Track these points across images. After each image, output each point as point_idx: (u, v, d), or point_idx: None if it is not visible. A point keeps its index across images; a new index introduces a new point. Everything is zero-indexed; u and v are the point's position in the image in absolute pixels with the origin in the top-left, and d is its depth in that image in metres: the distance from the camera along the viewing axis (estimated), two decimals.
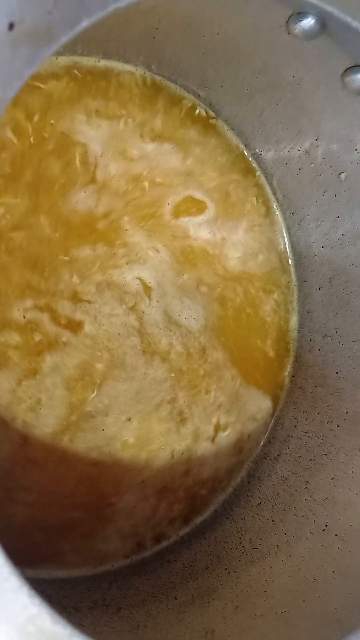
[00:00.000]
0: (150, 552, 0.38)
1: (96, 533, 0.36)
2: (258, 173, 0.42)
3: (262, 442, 0.42)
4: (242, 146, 0.41)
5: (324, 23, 0.28)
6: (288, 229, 0.43)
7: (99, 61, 0.36)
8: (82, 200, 0.35)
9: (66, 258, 0.35)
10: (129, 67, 0.37)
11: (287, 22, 0.29)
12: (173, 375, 0.38)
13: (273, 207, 0.43)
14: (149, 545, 0.38)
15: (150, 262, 0.37)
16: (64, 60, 0.35)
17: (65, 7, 0.18)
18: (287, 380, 0.43)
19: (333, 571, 0.32)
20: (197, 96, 0.39)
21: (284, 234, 0.43)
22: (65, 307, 0.35)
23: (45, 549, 0.35)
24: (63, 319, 0.35)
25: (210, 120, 0.40)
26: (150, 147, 0.36)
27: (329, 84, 0.32)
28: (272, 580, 0.34)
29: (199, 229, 0.38)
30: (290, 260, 0.44)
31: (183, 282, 0.38)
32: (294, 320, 0.44)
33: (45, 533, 0.35)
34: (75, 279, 0.35)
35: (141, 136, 0.36)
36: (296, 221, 0.43)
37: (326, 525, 0.35)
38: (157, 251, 0.37)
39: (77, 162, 0.34)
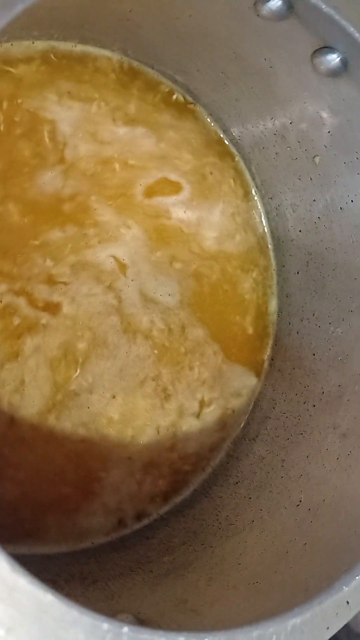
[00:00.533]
0: (131, 530, 0.39)
1: (82, 509, 0.37)
2: (237, 158, 0.43)
3: (245, 418, 0.43)
4: (220, 131, 0.42)
5: (291, 3, 0.29)
6: (267, 214, 0.44)
7: (75, 46, 0.36)
8: (49, 181, 0.35)
9: (37, 242, 0.35)
10: (105, 52, 0.37)
11: (255, 4, 0.30)
12: (156, 352, 0.39)
13: (252, 192, 0.44)
14: (130, 523, 0.39)
15: (122, 239, 0.38)
16: (41, 44, 0.35)
17: None
18: (266, 363, 0.44)
19: (305, 543, 0.33)
20: (175, 81, 0.40)
21: (263, 219, 0.44)
22: (41, 291, 0.35)
23: (30, 525, 0.36)
24: (40, 302, 0.36)
25: (188, 106, 0.41)
26: (122, 130, 0.37)
27: (299, 67, 0.33)
28: (246, 554, 0.34)
29: (173, 209, 0.39)
30: (269, 245, 0.44)
31: (156, 259, 0.39)
32: (273, 304, 0.45)
33: (33, 509, 0.36)
34: (48, 262, 0.35)
35: (113, 120, 0.37)
36: (274, 206, 0.43)
37: (300, 501, 0.36)
38: (129, 228, 0.38)
39: (47, 140, 0.35)
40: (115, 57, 0.38)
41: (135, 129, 0.37)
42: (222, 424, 0.42)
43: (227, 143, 0.42)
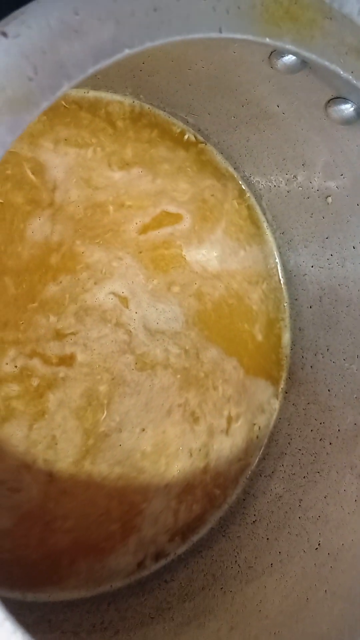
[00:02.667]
0: (149, 572, 0.39)
1: (116, 548, 0.38)
2: (248, 195, 0.43)
3: (269, 432, 0.43)
4: (231, 169, 0.42)
5: (304, 60, 0.29)
6: (279, 248, 0.44)
7: (87, 92, 0.36)
8: (38, 228, 0.35)
9: (35, 305, 0.35)
10: (117, 97, 0.37)
11: (269, 57, 0.30)
12: (179, 376, 0.39)
13: (263, 227, 0.44)
14: (149, 564, 0.39)
15: (117, 272, 0.37)
16: None
17: (46, 73, 0.18)
18: (280, 396, 0.44)
19: (325, 591, 0.33)
20: (186, 122, 0.39)
21: (275, 253, 0.44)
22: (52, 347, 0.35)
23: (65, 571, 0.36)
24: (54, 358, 0.36)
25: (199, 145, 0.41)
26: (118, 175, 0.37)
27: (312, 114, 0.33)
28: (267, 600, 0.34)
29: (172, 238, 0.39)
30: (281, 279, 0.44)
31: (153, 287, 0.38)
32: (286, 337, 0.45)
33: (72, 554, 0.36)
34: (52, 319, 0.35)
35: (109, 165, 0.36)
36: (286, 241, 0.43)
37: (319, 544, 0.36)
38: (121, 259, 0.37)
39: (38, 185, 0.35)
40: (127, 101, 0.38)
41: (131, 171, 0.37)
42: (249, 441, 0.42)
43: (239, 181, 0.42)
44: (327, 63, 0.24)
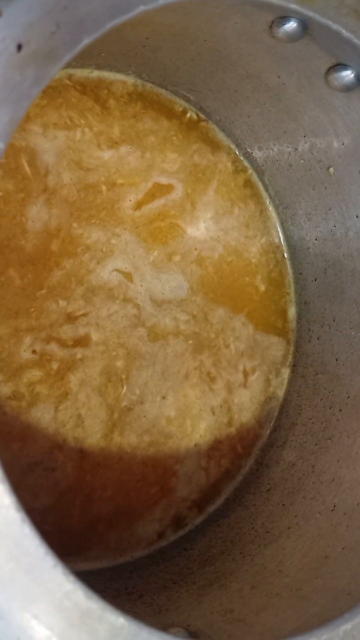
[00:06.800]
0: (168, 542, 0.40)
1: (148, 514, 0.39)
2: (250, 171, 0.44)
3: (279, 404, 0.44)
4: (233, 146, 0.43)
5: (306, 25, 0.29)
6: (282, 223, 0.45)
7: (92, 72, 0.37)
8: (36, 216, 0.36)
9: (43, 291, 0.36)
10: (121, 77, 0.38)
11: (270, 27, 0.31)
12: (191, 342, 0.41)
13: (266, 203, 0.45)
14: (168, 535, 0.40)
15: (117, 249, 0.38)
16: (58, 72, 0.36)
17: (67, 28, 0.19)
18: (288, 371, 0.45)
19: (343, 548, 0.34)
20: (188, 100, 0.40)
21: (278, 229, 0.45)
22: (67, 331, 0.36)
23: (95, 539, 0.38)
24: (69, 340, 0.37)
25: (201, 123, 0.41)
26: (107, 154, 0.37)
27: (312, 84, 0.34)
28: (286, 560, 0.35)
29: (165, 209, 0.40)
30: (285, 254, 0.45)
31: (154, 259, 0.39)
32: (292, 311, 0.45)
33: (109, 521, 0.38)
34: (62, 304, 0.36)
35: (98, 145, 0.37)
36: (289, 216, 0.44)
37: (334, 505, 0.37)
38: (119, 236, 0.38)
39: (29, 172, 0.35)
40: (130, 80, 0.38)
41: (120, 149, 0.38)
42: (269, 395, 0.43)
43: (241, 157, 0.43)
44: (329, 22, 0.25)
